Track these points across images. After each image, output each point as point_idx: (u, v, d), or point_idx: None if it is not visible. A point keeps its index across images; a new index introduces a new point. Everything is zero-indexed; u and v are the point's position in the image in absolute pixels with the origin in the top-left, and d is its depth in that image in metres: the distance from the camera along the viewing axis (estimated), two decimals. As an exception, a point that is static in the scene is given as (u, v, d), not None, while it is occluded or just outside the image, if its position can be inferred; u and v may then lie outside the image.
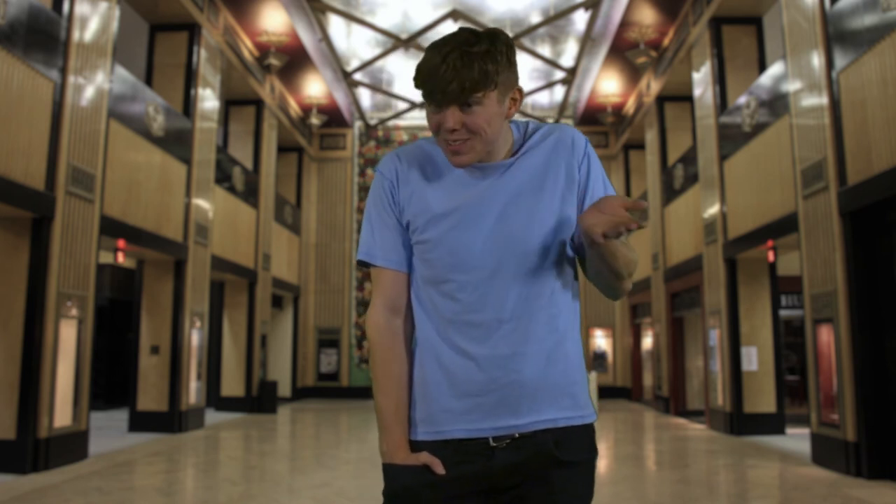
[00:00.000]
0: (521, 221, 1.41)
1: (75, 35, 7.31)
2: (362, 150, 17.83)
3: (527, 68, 14.82)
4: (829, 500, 5.67)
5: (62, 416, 7.06)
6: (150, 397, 10.00)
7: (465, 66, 1.30)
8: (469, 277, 1.41)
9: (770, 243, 8.94)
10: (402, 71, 14.83)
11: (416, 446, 1.43)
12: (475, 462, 1.39)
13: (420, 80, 1.34)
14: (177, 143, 10.09)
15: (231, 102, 13.93)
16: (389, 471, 1.43)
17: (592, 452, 1.46)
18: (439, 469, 1.39)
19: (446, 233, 1.42)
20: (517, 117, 16.56)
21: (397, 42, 13.12)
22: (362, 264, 1.50)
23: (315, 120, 16.14)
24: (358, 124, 17.77)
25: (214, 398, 13.36)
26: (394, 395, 1.45)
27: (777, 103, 8.62)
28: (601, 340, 17.23)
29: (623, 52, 12.86)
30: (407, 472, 1.41)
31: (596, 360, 17.09)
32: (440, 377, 1.42)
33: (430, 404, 1.43)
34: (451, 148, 1.38)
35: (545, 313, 1.42)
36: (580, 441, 1.43)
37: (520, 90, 1.41)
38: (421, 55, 1.38)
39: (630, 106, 15.61)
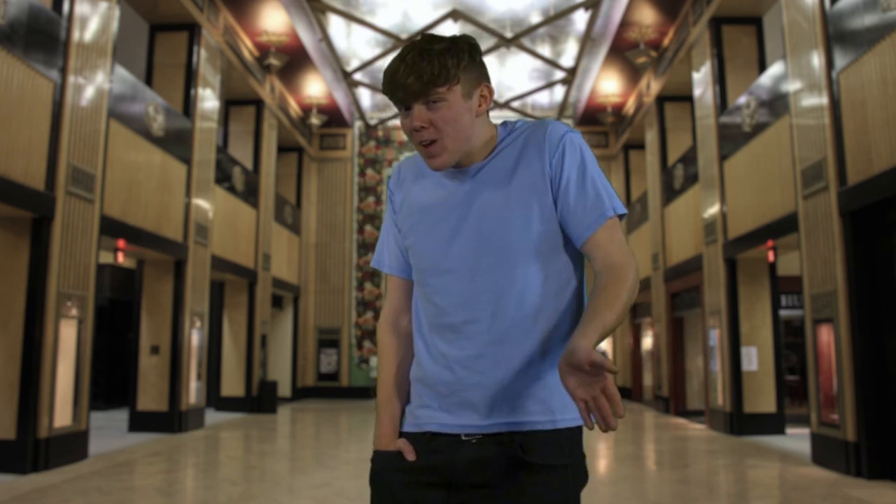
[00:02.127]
0: (491, 222, 1.41)
1: (75, 35, 7.31)
2: (362, 150, 17.83)
3: (527, 68, 14.83)
4: (829, 500, 5.67)
5: (62, 416, 7.06)
6: (150, 397, 10.00)
7: (424, 60, 1.34)
8: (443, 281, 1.44)
9: (770, 243, 8.94)
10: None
11: (402, 437, 1.52)
12: (443, 454, 1.43)
13: (384, 82, 1.39)
14: (177, 143, 10.09)
15: (231, 102, 13.93)
16: (372, 456, 1.54)
17: (571, 458, 1.40)
18: (410, 455, 1.46)
19: (421, 237, 1.48)
20: (512, 117, 16.50)
21: (397, 42, 13.12)
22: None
23: (315, 120, 16.14)
24: (358, 124, 17.77)
25: (214, 398, 13.36)
26: (387, 389, 1.56)
27: (777, 103, 8.62)
28: (601, 340, 17.20)
29: (623, 52, 12.86)
30: (383, 457, 1.51)
31: (596, 360, 17.07)
32: (420, 376, 1.49)
33: (414, 400, 1.52)
34: (424, 151, 1.41)
35: (517, 314, 1.40)
36: (551, 445, 1.38)
37: (488, 87, 1.42)
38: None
39: (630, 106, 15.60)
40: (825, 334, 7.36)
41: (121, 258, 9.07)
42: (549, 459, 1.37)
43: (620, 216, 1.42)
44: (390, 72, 1.37)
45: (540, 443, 1.38)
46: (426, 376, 1.47)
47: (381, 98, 16.78)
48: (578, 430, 1.43)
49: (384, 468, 1.49)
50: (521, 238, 1.40)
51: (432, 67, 1.33)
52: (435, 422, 1.45)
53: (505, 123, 1.51)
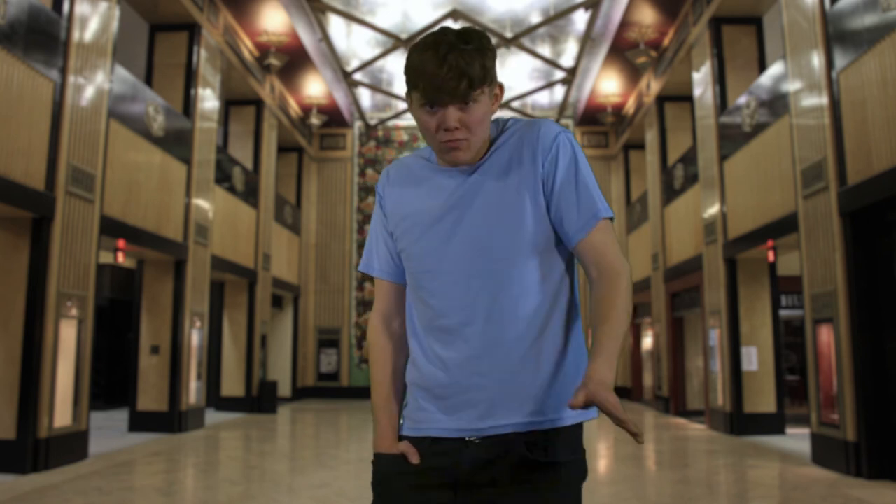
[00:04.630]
0: (485, 223, 1.41)
1: (75, 35, 7.31)
2: (362, 150, 17.82)
3: (527, 68, 14.82)
4: (829, 500, 5.67)
5: (62, 416, 7.06)
6: (150, 397, 9.99)
7: (469, 64, 1.33)
8: (438, 283, 1.44)
9: (770, 243, 8.94)
10: (402, 71, 14.79)
11: (401, 440, 1.51)
12: (446, 456, 1.43)
13: (420, 82, 1.34)
14: (177, 143, 10.09)
15: (231, 102, 13.93)
16: (374, 459, 1.52)
17: (574, 455, 1.42)
18: (414, 458, 1.45)
19: (416, 240, 1.47)
20: (511, 115, 16.55)
21: (397, 42, 13.13)
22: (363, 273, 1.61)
23: (315, 120, 16.14)
24: (358, 124, 17.76)
25: (214, 398, 13.35)
26: (384, 391, 1.54)
27: (777, 103, 8.62)
28: (601, 340, 17.18)
29: (623, 52, 12.86)
30: (386, 459, 1.49)
31: (596, 360, 17.05)
32: (418, 380, 1.49)
33: (410, 403, 1.52)
34: (447, 145, 1.39)
35: (513, 315, 1.40)
36: (555, 442, 1.40)
37: (501, 86, 1.44)
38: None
39: (630, 106, 15.60)
40: (825, 334, 7.36)
41: (121, 258, 9.07)
42: (554, 457, 1.39)
43: (609, 219, 1.44)
44: (429, 71, 1.33)
45: (543, 441, 1.39)
46: (423, 379, 1.47)
47: (381, 98, 16.78)
48: (579, 427, 1.44)
49: (388, 471, 1.48)
50: (516, 238, 1.41)
51: (474, 70, 1.33)
52: (435, 426, 1.44)
53: (496, 121, 1.50)
